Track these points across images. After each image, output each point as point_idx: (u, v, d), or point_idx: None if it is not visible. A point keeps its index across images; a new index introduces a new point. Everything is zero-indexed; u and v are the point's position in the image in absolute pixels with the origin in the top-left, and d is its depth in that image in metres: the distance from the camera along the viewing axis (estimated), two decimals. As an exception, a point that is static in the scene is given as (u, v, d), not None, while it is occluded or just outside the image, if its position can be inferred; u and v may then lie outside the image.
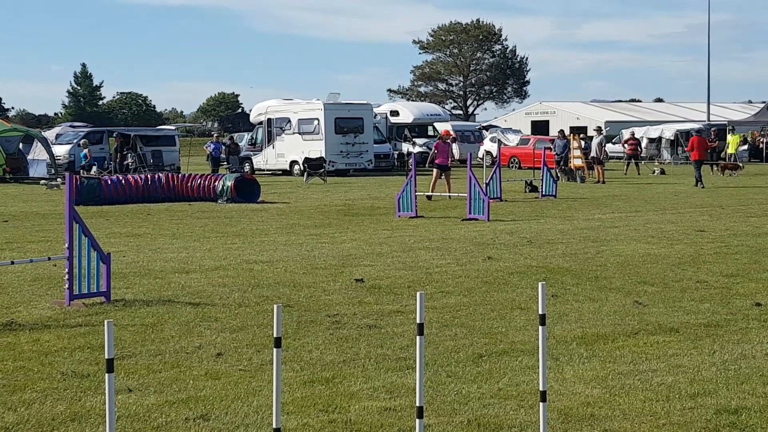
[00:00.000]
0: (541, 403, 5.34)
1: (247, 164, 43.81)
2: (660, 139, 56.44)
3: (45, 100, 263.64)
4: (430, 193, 25.49)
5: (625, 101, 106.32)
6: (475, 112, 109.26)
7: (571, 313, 9.92)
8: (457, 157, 42.10)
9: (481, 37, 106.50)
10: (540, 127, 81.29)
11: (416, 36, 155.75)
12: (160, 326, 9.32)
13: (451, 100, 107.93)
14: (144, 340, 8.69)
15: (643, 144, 52.73)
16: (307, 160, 39.38)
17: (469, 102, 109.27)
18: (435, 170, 26.52)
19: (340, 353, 8.24)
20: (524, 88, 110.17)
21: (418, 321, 4.95)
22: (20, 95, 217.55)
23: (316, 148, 41.46)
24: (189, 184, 27.61)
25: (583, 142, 37.57)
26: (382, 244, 15.97)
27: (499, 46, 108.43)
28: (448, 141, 27.82)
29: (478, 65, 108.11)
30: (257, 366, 7.80)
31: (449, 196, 25.81)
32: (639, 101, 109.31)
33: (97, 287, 10.57)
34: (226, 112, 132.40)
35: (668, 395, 6.95)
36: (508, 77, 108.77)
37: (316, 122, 42.52)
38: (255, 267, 13.31)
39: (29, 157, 41.84)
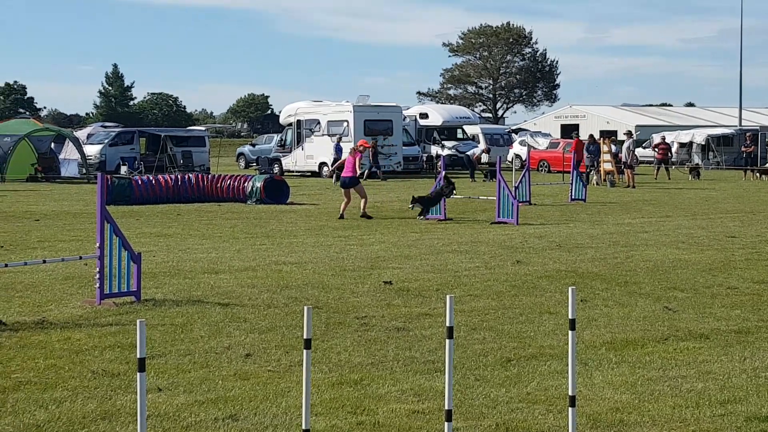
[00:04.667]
0: (570, 408, 5.33)
1: (276, 165, 43.92)
2: (691, 143, 56.07)
3: (76, 100, 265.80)
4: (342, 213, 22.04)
5: (656, 105, 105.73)
6: (504, 115, 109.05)
7: (600, 318, 9.89)
8: (485, 160, 41.95)
9: (511, 40, 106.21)
10: (570, 131, 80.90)
11: (446, 39, 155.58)
12: (189, 326, 9.37)
13: (480, 103, 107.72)
14: (174, 340, 8.74)
15: (674, 149, 52.39)
16: (336, 161, 39.41)
17: (498, 105, 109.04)
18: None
19: (369, 355, 8.25)
20: (554, 92, 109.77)
21: (447, 324, 4.96)
22: (52, 95, 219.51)
23: (345, 150, 41.45)
24: (219, 184, 27.72)
25: (613, 146, 37.38)
26: (411, 247, 15.97)
27: (529, 50, 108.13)
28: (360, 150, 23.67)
29: (507, 68, 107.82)
30: (286, 367, 7.83)
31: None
32: (670, 105, 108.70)
33: (127, 287, 10.64)
34: (256, 114, 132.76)
35: (698, 402, 6.91)
36: (538, 80, 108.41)
37: (345, 124, 42.57)
38: (284, 268, 13.35)
39: (61, 156, 42.16)
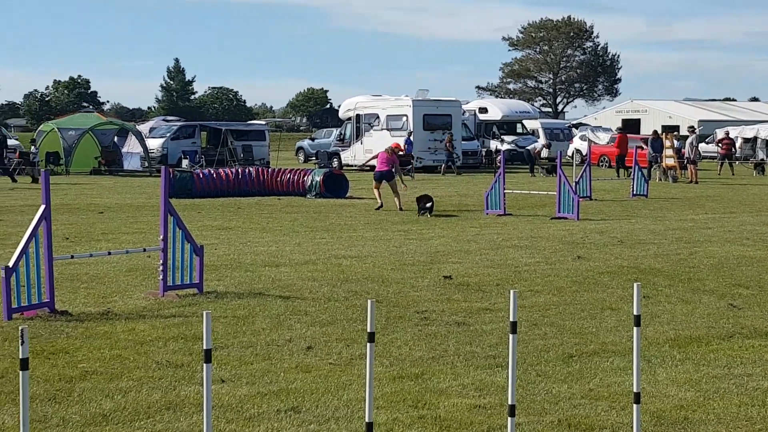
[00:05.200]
0: (634, 405, 5.28)
1: (335, 160, 44.07)
2: (755, 139, 55.15)
3: (138, 94, 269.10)
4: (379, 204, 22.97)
5: (719, 100, 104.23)
6: (564, 110, 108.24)
7: (664, 315, 9.78)
8: (545, 155, 41.70)
9: (572, 34, 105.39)
10: (631, 126, 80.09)
11: (506, 33, 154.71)
12: (251, 319, 9.44)
13: (540, 98, 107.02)
14: (236, 332, 8.81)
15: (738, 144, 51.57)
16: (406, 156, 39.46)
17: (558, 99, 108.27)
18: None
19: (429, 349, 8.25)
20: (615, 86, 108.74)
21: (511, 319, 4.93)
22: (115, 89, 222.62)
23: (416, 145, 41.49)
24: (278, 178, 27.89)
25: (676, 142, 36.94)
26: (470, 242, 15.93)
27: (590, 44, 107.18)
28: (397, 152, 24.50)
29: (568, 62, 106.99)
30: (347, 360, 7.85)
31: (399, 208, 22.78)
32: (733, 100, 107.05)
33: (190, 279, 10.75)
34: (315, 108, 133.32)
35: (764, 400, 6.81)
36: (599, 75, 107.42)
37: (404, 118, 42.58)
38: (344, 262, 13.39)
39: (124, 150, 42.70)
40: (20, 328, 4.01)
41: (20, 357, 3.99)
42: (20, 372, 4.02)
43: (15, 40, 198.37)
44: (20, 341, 3.92)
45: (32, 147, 37.08)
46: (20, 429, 4.10)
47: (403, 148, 32.86)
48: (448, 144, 40.95)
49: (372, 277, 12.01)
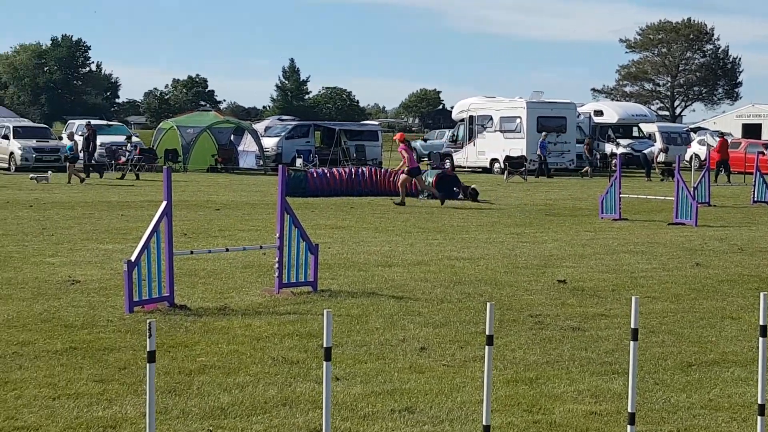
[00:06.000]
0: (758, 417, 5.14)
1: (447, 161, 44.04)
2: None
3: (254, 93, 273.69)
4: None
5: None
6: (682, 114, 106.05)
7: (787, 326, 9.48)
8: (662, 159, 40.88)
9: (691, 36, 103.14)
10: (751, 131, 77.98)
11: (622, 35, 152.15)
12: (365, 318, 9.50)
13: (657, 101, 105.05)
14: (350, 331, 8.87)
15: None
16: (508, 158, 39.31)
17: (676, 103, 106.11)
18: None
19: (544, 354, 8.17)
20: (736, 90, 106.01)
21: (632, 326, 4.85)
22: (231, 88, 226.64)
23: (518, 147, 41.28)
24: (391, 178, 28.00)
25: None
26: (585, 246, 15.73)
27: (711, 46, 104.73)
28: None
29: (687, 65, 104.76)
30: (461, 362, 7.83)
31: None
32: None
33: (304, 277, 10.87)
34: (427, 109, 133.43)
35: None
36: (719, 78, 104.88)
37: (518, 120, 42.33)
38: (456, 263, 13.37)
39: (239, 148, 43.47)
40: (148, 321, 4.11)
41: (147, 349, 4.09)
42: (147, 364, 4.11)
43: (136, 40, 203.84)
44: (147, 334, 4.01)
45: (128, 144, 37.94)
46: (146, 420, 4.20)
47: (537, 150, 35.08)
48: (587, 148, 40.75)
49: (485, 280, 11.96)
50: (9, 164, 39.36)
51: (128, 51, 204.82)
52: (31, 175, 32.22)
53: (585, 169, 40.56)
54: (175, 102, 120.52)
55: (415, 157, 25.50)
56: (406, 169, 24.82)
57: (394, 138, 27.06)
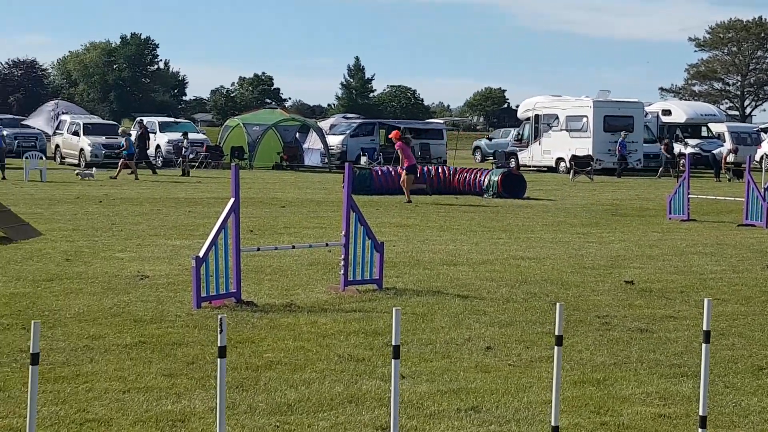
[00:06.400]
0: (834, 424, 5.03)
1: (512, 160, 43.84)
2: None
3: (319, 91, 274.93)
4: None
5: None
6: (752, 113, 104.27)
7: None
8: (732, 159, 40.18)
9: (762, 35, 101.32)
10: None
11: (692, 33, 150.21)
12: (430, 316, 9.49)
13: (726, 100, 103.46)
14: (415, 329, 8.87)
15: None
16: (574, 157, 39.01)
17: (746, 102, 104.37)
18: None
19: (611, 355, 8.09)
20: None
21: (704, 328, 4.78)
22: (297, 86, 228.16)
23: (584, 146, 40.93)
24: (456, 177, 27.95)
25: None
26: (653, 247, 15.54)
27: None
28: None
29: (758, 64, 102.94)
30: (527, 362, 7.79)
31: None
32: None
33: (370, 275, 10.89)
34: (492, 108, 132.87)
35: None
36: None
37: (584, 119, 41.97)
38: (522, 263, 13.30)
39: (305, 146, 43.70)
40: (219, 317, 4.15)
41: (218, 345, 4.13)
42: (218, 359, 4.15)
43: (203, 39, 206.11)
44: (219, 330, 4.05)
45: (185, 141, 38.12)
46: (216, 414, 4.24)
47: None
48: (665, 148, 40.31)
49: (551, 280, 11.88)
50: (79, 160, 40.01)
51: (195, 49, 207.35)
52: (76, 171, 32.83)
53: (662, 168, 40.09)
54: (241, 100, 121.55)
55: (412, 154, 25.59)
56: (405, 167, 24.81)
57: (390, 136, 27.23)
